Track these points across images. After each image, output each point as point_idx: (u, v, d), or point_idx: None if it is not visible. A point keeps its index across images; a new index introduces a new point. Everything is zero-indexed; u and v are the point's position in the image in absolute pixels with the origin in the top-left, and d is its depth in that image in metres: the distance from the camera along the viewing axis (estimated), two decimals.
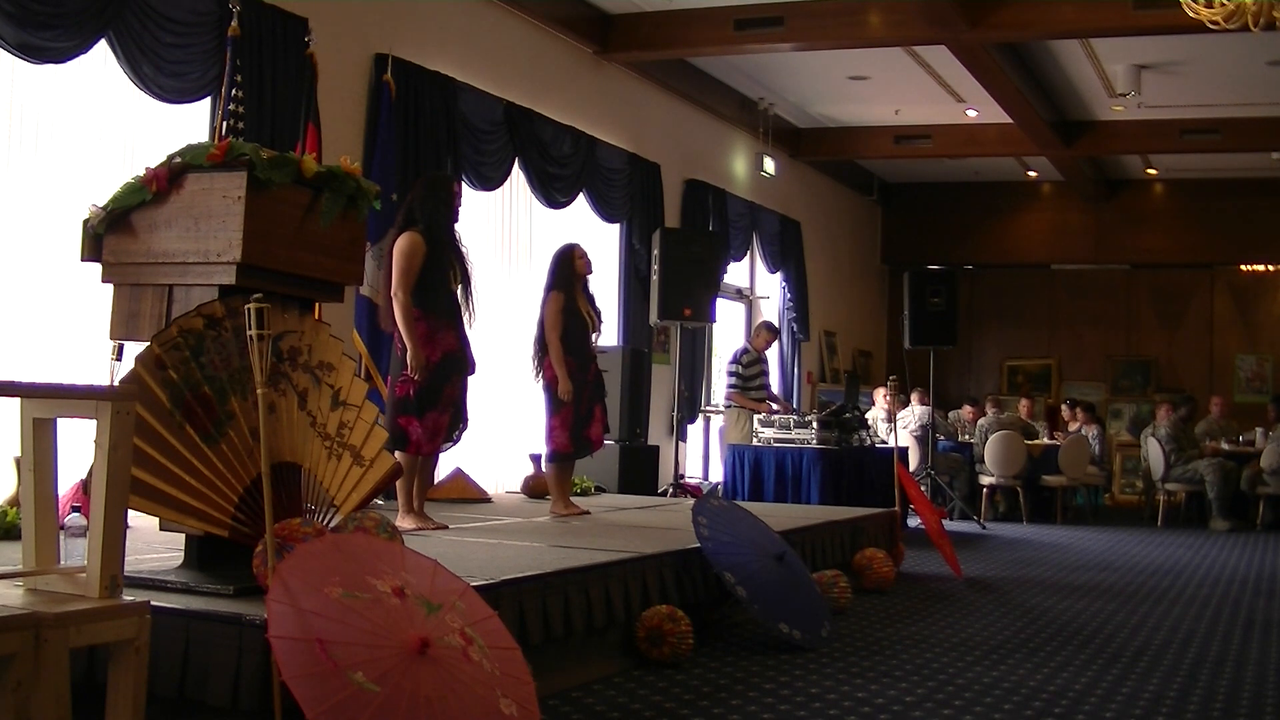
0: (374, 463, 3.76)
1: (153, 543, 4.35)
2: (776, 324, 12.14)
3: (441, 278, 5.61)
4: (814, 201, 14.01)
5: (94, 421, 2.78)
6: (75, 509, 3.37)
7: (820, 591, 5.51)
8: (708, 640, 4.96)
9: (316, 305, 4.32)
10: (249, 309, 3.25)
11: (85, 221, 3.82)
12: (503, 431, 8.66)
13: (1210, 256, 14.74)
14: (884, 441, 10.37)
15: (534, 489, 8.05)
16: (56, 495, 2.96)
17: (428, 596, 3.15)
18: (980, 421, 12.12)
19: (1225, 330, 14.94)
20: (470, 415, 5.88)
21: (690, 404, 10.75)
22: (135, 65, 5.87)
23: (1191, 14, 6.94)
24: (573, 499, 6.94)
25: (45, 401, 2.86)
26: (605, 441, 6.95)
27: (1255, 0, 6.72)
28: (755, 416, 9.61)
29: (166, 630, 3.16)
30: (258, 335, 3.24)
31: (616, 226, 10.18)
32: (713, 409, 11.39)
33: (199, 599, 3.44)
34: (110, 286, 3.86)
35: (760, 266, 12.84)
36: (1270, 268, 14.72)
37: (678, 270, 9.39)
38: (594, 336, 6.73)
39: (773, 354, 11.67)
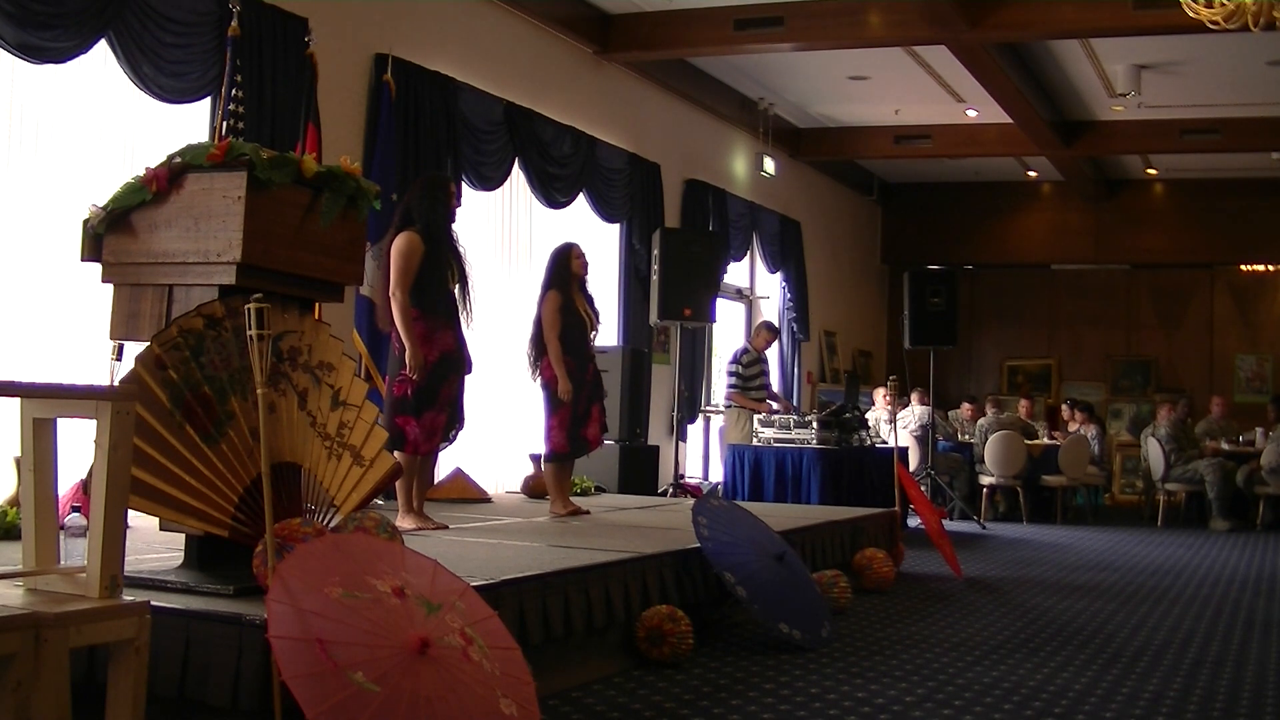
0: (374, 463, 3.76)
1: (153, 543, 4.35)
2: (776, 324, 12.14)
3: (439, 278, 5.62)
4: (814, 201, 14.01)
5: (94, 421, 2.78)
6: (75, 509, 3.37)
7: (820, 591, 5.51)
8: (708, 640, 4.96)
9: (316, 305, 4.32)
10: (249, 309, 3.25)
11: (85, 221, 3.82)
12: (503, 431, 8.66)
13: (1210, 256, 14.74)
14: (884, 441, 10.37)
15: (534, 489, 8.05)
16: (56, 495, 2.96)
17: (428, 596, 3.15)
18: (980, 421, 12.12)
19: (1225, 330, 14.94)
20: (466, 415, 5.88)
21: (690, 404, 10.75)
22: (135, 65, 5.87)
23: (1191, 14, 6.94)
24: (573, 499, 6.94)
25: (45, 401, 2.86)
26: (604, 441, 6.95)
27: (1255, 0, 6.72)
28: (755, 416, 9.62)
29: (166, 630, 3.16)
30: (258, 335, 3.24)
31: (616, 226, 10.18)
32: (713, 409, 11.40)
33: (199, 599, 3.44)
34: (110, 286, 3.86)
35: (760, 266, 12.84)
36: (1270, 268, 14.72)
37: (678, 270, 9.39)
38: (592, 336, 6.73)
39: (773, 354, 11.67)
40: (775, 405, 10.06)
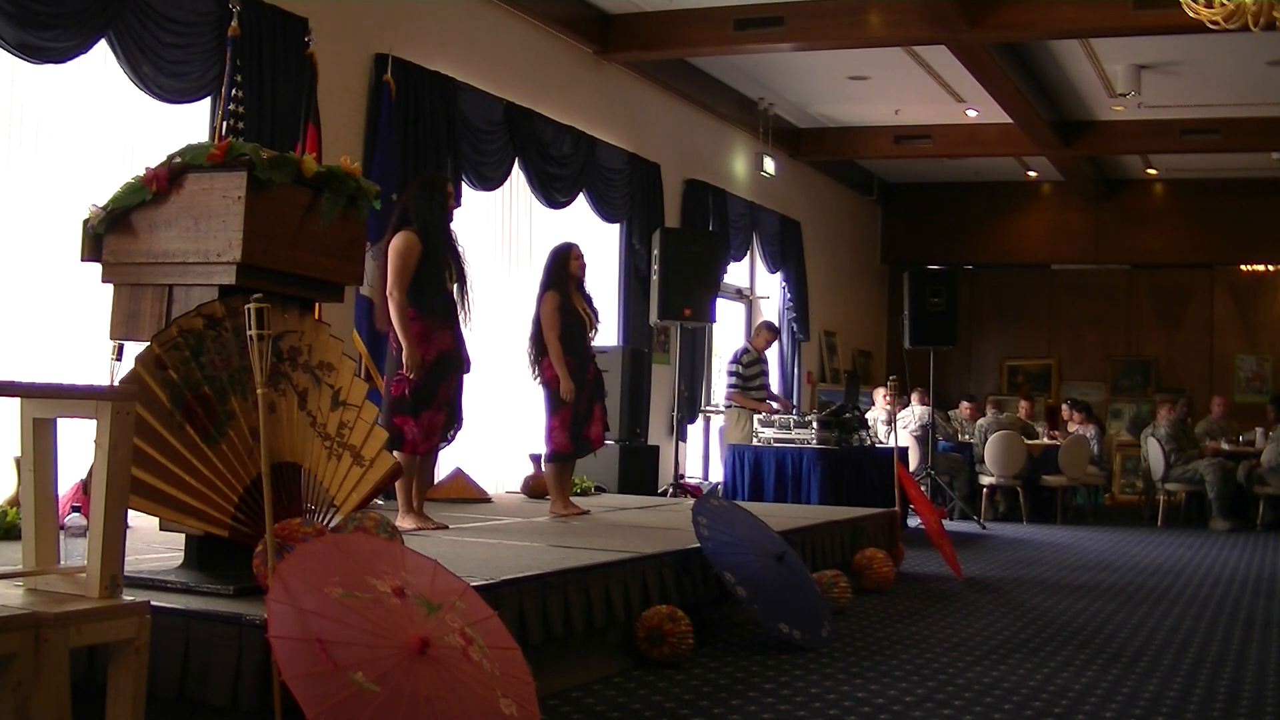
0: (374, 463, 3.76)
1: (153, 543, 4.35)
2: (776, 324, 12.14)
3: (437, 277, 5.62)
4: (814, 201, 14.01)
5: (94, 421, 2.78)
6: (75, 509, 3.37)
7: (820, 591, 5.51)
8: (708, 640, 4.96)
9: (316, 305, 4.33)
10: (249, 309, 3.25)
11: (85, 221, 3.82)
12: (503, 431, 8.66)
13: (1210, 256, 14.74)
14: (883, 442, 10.37)
15: (534, 489, 8.05)
16: (56, 495, 2.96)
17: (428, 596, 3.15)
18: (980, 421, 12.12)
19: (1225, 330, 14.94)
20: (465, 415, 5.87)
21: (690, 404, 10.75)
22: (135, 65, 5.87)
23: (1191, 14, 6.94)
24: (573, 499, 6.94)
25: (45, 401, 2.86)
26: (605, 441, 6.95)
27: (1255, 0, 6.72)
28: (755, 416, 9.62)
29: (166, 630, 3.16)
30: (258, 335, 3.24)
31: (616, 226, 10.18)
32: (713, 409, 11.40)
33: (199, 599, 3.44)
34: (110, 286, 3.86)
35: (760, 266, 12.84)
36: (1270, 268, 14.73)
37: (678, 270, 9.39)
38: (591, 335, 6.73)
39: (773, 354, 11.67)
40: (775, 405, 10.06)
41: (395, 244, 5.58)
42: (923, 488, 9.96)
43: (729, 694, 4.14)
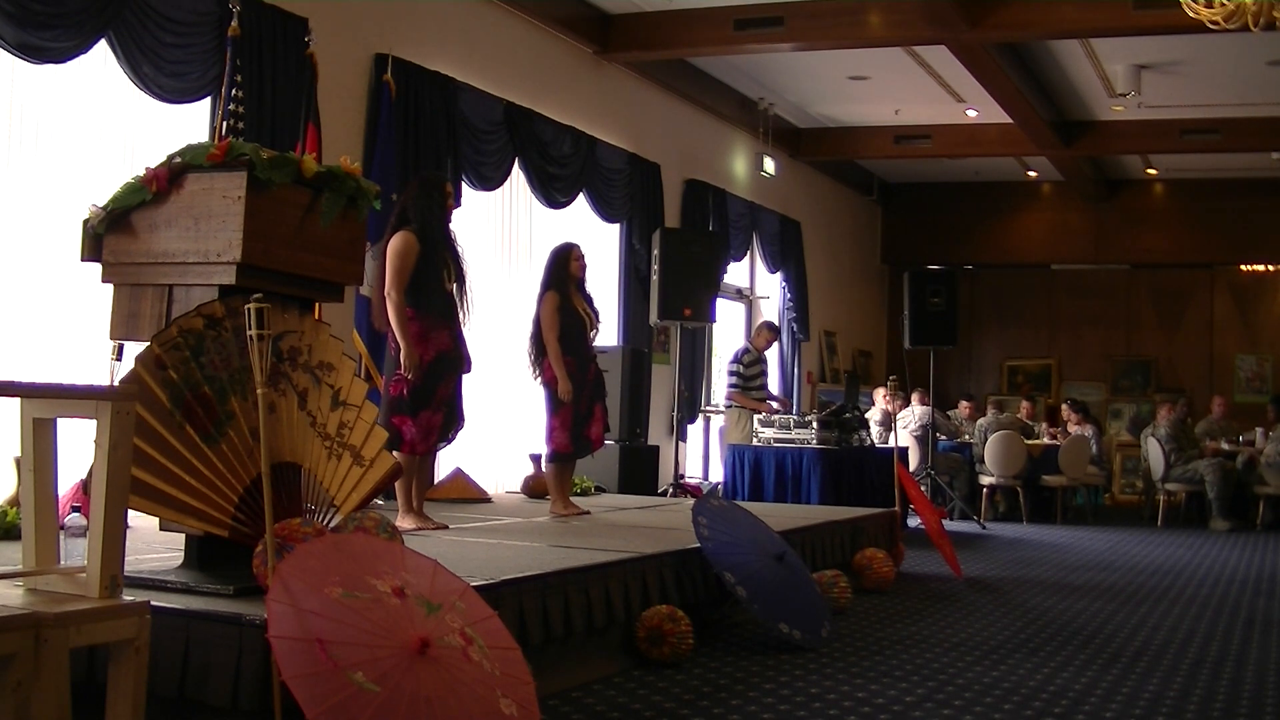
0: (374, 463, 3.76)
1: (153, 543, 4.35)
2: (776, 324, 12.14)
3: (435, 277, 5.61)
4: (814, 201, 14.01)
5: (94, 421, 2.78)
6: (75, 509, 3.37)
7: (820, 591, 5.51)
8: (708, 640, 4.96)
9: (316, 305, 4.32)
10: (249, 309, 3.25)
11: (85, 221, 3.82)
12: (503, 431, 8.66)
13: (1210, 256, 14.74)
14: (881, 443, 10.37)
15: (534, 489, 8.05)
16: (56, 495, 2.96)
17: (428, 596, 3.15)
18: (980, 421, 12.12)
19: (1225, 330, 14.94)
20: (465, 414, 5.87)
21: (690, 404, 10.75)
22: (135, 65, 5.87)
23: (1191, 14, 6.93)
24: (573, 499, 6.94)
25: (45, 401, 2.86)
26: (605, 441, 6.95)
27: (1255, 0, 6.72)
28: (755, 416, 9.62)
29: (166, 630, 3.16)
30: (258, 335, 3.24)
31: (616, 226, 10.18)
32: (713, 409, 11.40)
33: (199, 599, 3.44)
34: (110, 286, 3.86)
35: (760, 266, 12.84)
36: (1270, 268, 14.73)
37: (678, 270, 9.39)
38: (591, 335, 6.73)
39: (773, 354, 11.67)
40: (775, 405, 10.06)
41: (393, 244, 5.58)
42: (923, 488, 9.96)
43: (729, 694, 4.14)
